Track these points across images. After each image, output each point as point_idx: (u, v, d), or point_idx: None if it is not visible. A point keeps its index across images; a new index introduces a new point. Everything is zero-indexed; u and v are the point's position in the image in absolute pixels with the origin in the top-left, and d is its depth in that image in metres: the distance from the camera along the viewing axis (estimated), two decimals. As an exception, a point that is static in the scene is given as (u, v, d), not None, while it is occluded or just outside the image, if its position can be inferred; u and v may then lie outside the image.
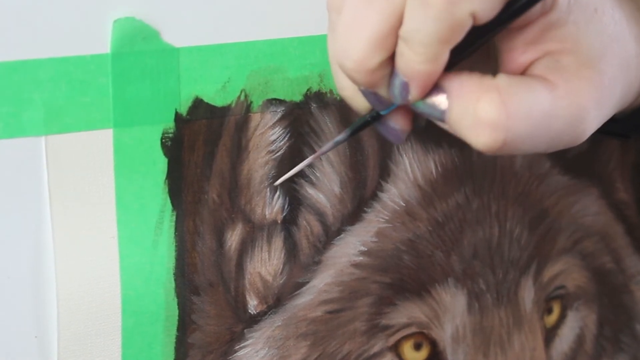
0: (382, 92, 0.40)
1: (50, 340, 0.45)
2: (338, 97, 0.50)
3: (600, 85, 0.40)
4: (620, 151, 0.60)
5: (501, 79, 0.38)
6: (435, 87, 0.39)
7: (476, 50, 0.39)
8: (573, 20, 0.39)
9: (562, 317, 0.59)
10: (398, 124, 0.42)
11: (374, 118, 0.42)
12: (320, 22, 0.48)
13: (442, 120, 0.39)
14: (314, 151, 0.49)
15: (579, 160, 0.58)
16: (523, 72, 0.40)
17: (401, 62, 0.38)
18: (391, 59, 0.38)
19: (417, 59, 0.37)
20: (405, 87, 0.38)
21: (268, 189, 0.48)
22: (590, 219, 0.59)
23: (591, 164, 0.59)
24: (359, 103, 0.42)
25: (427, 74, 0.37)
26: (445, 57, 0.37)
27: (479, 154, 0.54)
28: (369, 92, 0.40)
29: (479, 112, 0.38)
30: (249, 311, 0.49)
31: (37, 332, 0.44)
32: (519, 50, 0.40)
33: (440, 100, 0.39)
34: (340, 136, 0.44)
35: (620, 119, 0.47)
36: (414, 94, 0.38)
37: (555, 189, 0.57)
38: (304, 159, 0.49)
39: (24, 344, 0.44)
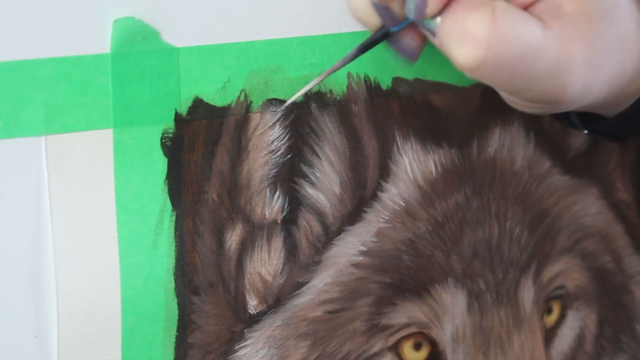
0: (396, 6, 0.39)
1: (50, 340, 0.45)
2: (338, 97, 0.50)
3: (592, 44, 0.40)
4: (620, 151, 0.60)
5: (499, 2, 0.38)
6: None
7: None
8: None
9: (562, 317, 0.59)
10: (414, 39, 0.42)
11: (385, 35, 0.42)
12: (320, 22, 0.49)
13: (434, 34, 0.39)
14: (314, 151, 0.49)
15: (579, 160, 0.58)
16: (524, 9, 0.40)
17: None
18: None
19: None
20: (424, 0, 0.38)
21: (268, 189, 0.48)
22: (590, 219, 0.59)
23: (591, 164, 0.59)
24: (371, 21, 0.42)
25: None
26: None
27: (479, 153, 0.54)
28: (381, 7, 0.40)
29: (468, 24, 0.38)
30: (249, 311, 0.49)
31: (37, 332, 0.44)
32: None
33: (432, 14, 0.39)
34: (350, 53, 0.44)
35: (614, 120, 0.47)
36: (432, 6, 0.38)
37: (555, 189, 0.57)
38: (304, 159, 0.49)
39: (24, 344, 0.44)
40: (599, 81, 0.41)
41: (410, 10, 0.39)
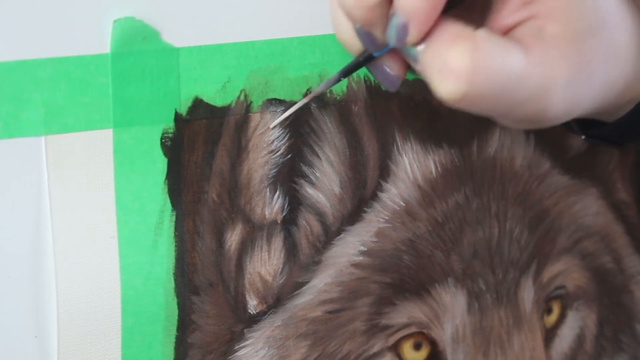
0: (378, 32, 0.39)
1: (50, 340, 0.45)
2: (338, 97, 0.50)
3: (576, 65, 0.39)
4: (620, 152, 0.60)
5: (481, 32, 0.38)
6: None
7: None
8: None
9: (562, 317, 0.59)
10: (393, 69, 0.42)
11: (366, 59, 0.42)
12: (319, 22, 0.49)
13: (416, 62, 0.39)
14: (314, 151, 0.49)
15: (579, 161, 0.58)
16: (506, 33, 0.40)
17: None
18: (390, 0, 0.38)
19: None
20: (404, 28, 0.38)
21: (268, 189, 0.48)
22: (590, 219, 0.59)
23: (591, 164, 0.59)
24: (354, 45, 0.42)
25: (427, 12, 0.37)
26: None
27: (479, 153, 0.54)
28: (363, 32, 0.40)
29: (449, 57, 0.37)
30: (249, 311, 0.49)
31: (37, 332, 0.44)
32: (508, 9, 0.40)
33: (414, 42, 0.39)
34: (333, 77, 0.44)
35: (613, 126, 0.46)
36: (413, 34, 0.38)
37: (555, 189, 0.57)
38: (304, 159, 0.49)
39: (24, 343, 0.44)
40: (585, 97, 0.41)
41: (392, 37, 0.39)
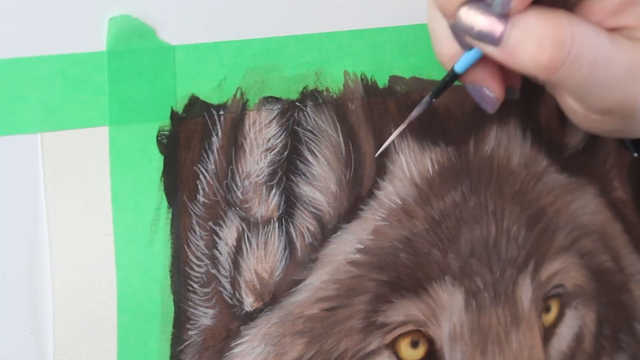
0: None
1: (46, 336, 0.45)
2: (334, 95, 0.50)
3: None
4: (617, 150, 0.60)
5: (571, 14, 0.40)
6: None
7: None
8: None
9: (560, 316, 0.59)
10: (493, 91, 0.44)
11: (452, 78, 0.44)
12: (316, 21, 0.49)
13: (495, 45, 0.41)
14: (310, 149, 0.49)
15: (576, 159, 0.58)
16: None
17: None
18: None
19: None
20: None
21: (264, 187, 0.48)
22: (588, 217, 0.59)
23: (588, 162, 0.59)
24: (449, 50, 0.44)
25: None
26: None
27: (476, 151, 0.54)
28: (457, 29, 0.42)
29: (548, 28, 0.39)
30: (245, 308, 0.49)
31: (33, 329, 0.45)
32: (597, 19, 0.41)
33: (495, 25, 0.40)
34: (424, 100, 0.46)
35: None
36: (517, 1, 0.40)
37: (553, 188, 0.57)
38: (301, 157, 0.49)
39: (20, 340, 0.44)
40: None
41: (497, 5, 0.40)
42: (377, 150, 0.51)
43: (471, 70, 0.44)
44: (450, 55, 0.44)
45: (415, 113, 0.46)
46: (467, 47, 0.43)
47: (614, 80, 0.41)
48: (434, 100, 0.46)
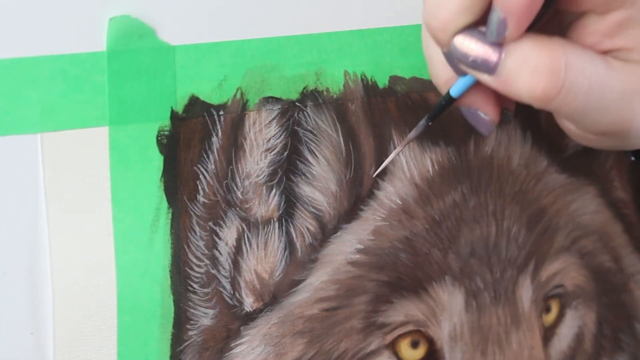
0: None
1: (46, 337, 0.45)
2: (335, 96, 0.50)
3: None
4: (618, 150, 0.60)
5: (564, 40, 0.40)
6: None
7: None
8: None
9: (560, 316, 0.59)
10: (488, 114, 0.44)
11: (448, 102, 0.44)
12: (316, 21, 0.49)
13: (491, 73, 0.41)
14: (310, 149, 0.49)
15: (576, 159, 0.58)
16: None
17: None
18: (476, 23, 0.40)
19: None
20: (503, 23, 0.39)
21: (264, 187, 0.48)
22: (588, 217, 0.59)
23: (588, 162, 0.59)
24: (444, 75, 0.44)
25: (526, 8, 0.38)
26: None
27: (476, 152, 0.54)
28: (451, 57, 0.42)
29: (542, 57, 0.39)
30: (245, 308, 0.49)
31: (33, 329, 0.45)
32: (592, 41, 0.41)
33: (490, 54, 0.40)
34: (421, 123, 0.46)
35: None
36: (512, 30, 0.39)
37: (553, 188, 0.57)
38: (301, 157, 0.49)
39: (20, 340, 0.44)
40: None
41: (492, 34, 0.40)
42: (377, 150, 0.51)
43: (466, 94, 0.44)
44: (446, 79, 0.44)
45: (412, 135, 0.47)
46: (461, 73, 0.43)
47: (608, 105, 0.41)
48: (429, 123, 0.46)
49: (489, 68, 0.41)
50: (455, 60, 0.42)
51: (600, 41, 0.41)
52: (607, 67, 0.41)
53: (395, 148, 0.52)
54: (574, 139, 0.46)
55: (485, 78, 0.41)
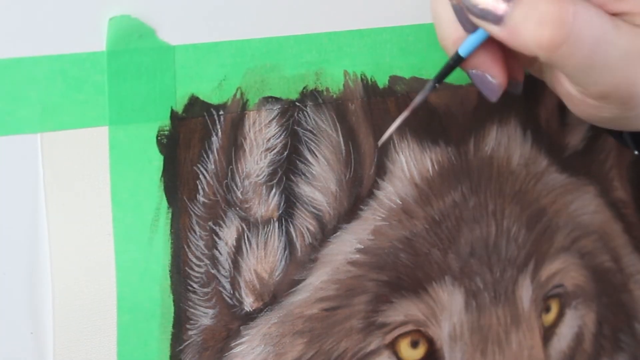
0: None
1: (46, 336, 0.45)
2: (334, 95, 0.50)
3: None
4: (618, 150, 0.60)
5: None
6: None
7: None
8: None
9: (560, 316, 0.59)
10: (496, 77, 0.44)
11: (456, 62, 0.44)
12: (316, 20, 0.49)
13: (497, 23, 0.41)
14: (310, 149, 0.49)
15: (576, 159, 0.58)
16: None
17: None
18: None
19: None
20: None
21: (264, 187, 0.48)
22: (588, 217, 0.59)
23: (588, 162, 0.59)
24: (452, 34, 0.44)
25: None
26: None
27: (476, 151, 0.54)
28: (459, 9, 0.42)
29: (549, 8, 0.39)
30: (245, 308, 0.49)
31: (33, 329, 0.45)
32: (599, 3, 0.41)
33: (497, 4, 0.40)
34: (428, 85, 0.46)
35: None
36: None
37: (553, 188, 0.57)
38: (300, 157, 0.49)
39: (20, 340, 0.44)
40: None
41: None
42: (378, 152, 0.51)
43: (474, 55, 0.44)
44: (454, 38, 0.44)
45: (418, 99, 0.46)
46: (470, 30, 0.43)
47: (613, 63, 0.41)
48: (436, 85, 0.46)
49: (496, 17, 0.41)
50: (465, 9, 0.42)
51: (608, 3, 0.41)
52: (615, 26, 0.41)
53: (394, 148, 0.52)
54: (573, 111, 0.46)
55: (493, 29, 0.41)
